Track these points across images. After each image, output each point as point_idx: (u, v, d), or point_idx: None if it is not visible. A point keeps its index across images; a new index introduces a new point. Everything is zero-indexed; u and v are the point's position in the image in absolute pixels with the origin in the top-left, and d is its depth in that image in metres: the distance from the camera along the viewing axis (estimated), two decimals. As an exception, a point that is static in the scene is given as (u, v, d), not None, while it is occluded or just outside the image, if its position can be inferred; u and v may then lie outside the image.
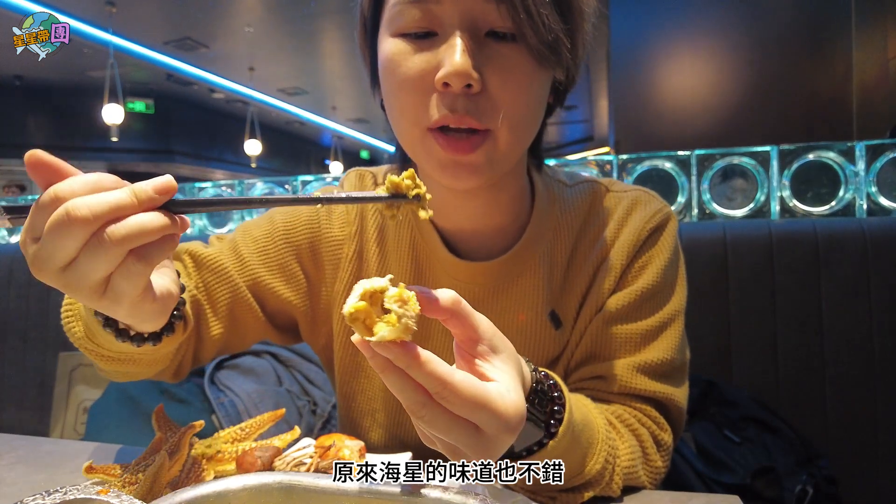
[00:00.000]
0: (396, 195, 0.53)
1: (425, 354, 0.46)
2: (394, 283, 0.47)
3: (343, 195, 0.53)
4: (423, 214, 0.54)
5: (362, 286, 0.47)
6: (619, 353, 0.82)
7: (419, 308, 0.47)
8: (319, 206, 0.93)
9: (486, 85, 0.68)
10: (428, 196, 0.54)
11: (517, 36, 0.68)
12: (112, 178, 0.50)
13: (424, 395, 0.47)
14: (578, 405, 0.67)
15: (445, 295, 0.50)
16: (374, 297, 0.47)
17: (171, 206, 0.50)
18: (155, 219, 0.48)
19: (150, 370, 0.79)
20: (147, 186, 0.49)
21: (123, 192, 0.48)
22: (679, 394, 0.83)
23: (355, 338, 0.47)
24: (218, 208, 0.55)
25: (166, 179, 0.50)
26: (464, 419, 0.48)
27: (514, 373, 0.53)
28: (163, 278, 0.60)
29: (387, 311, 0.47)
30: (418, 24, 0.69)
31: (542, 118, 0.78)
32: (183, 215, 0.51)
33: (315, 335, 0.95)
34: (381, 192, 0.53)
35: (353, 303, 0.46)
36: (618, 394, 0.81)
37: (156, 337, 0.67)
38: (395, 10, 0.70)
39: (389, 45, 0.71)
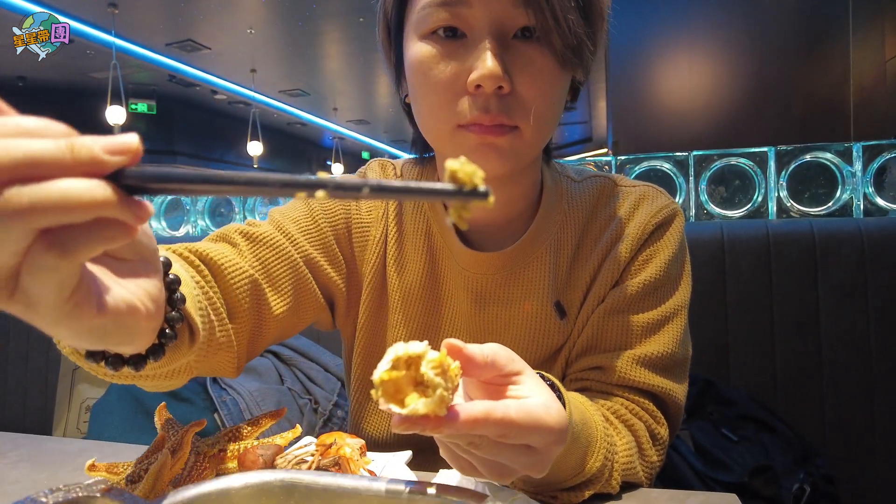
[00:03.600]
0: (461, 192, 0.37)
1: (474, 412, 0.45)
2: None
3: (396, 184, 0.37)
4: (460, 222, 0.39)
5: (395, 352, 0.43)
6: (619, 344, 0.83)
7: (459, 380, 0.46)
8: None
9: (514, 85, 0.71)
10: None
11: (542, 39, 0.70)
12: (45, 124, 0.34)
13: (474, 436, 0.47)
14: (576, 404, 0.67)
15: (478, 351, 0.49)
16: (411, 363, 0.44)
17: (125, 182, 0.34)
18: (88, 188, 0.32)
19: (162, 384, 0.67)
20: (93, 142, 0.33)
21: (51, 143, 0.33)
22: (678, 390, 0.83)
23: (383, 405, 0.44)
24: (197, 188, 0.35)
25: (125, 139, 0.34)
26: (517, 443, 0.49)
27: (541, 383, 0.54)
28: (129, 286, 0.42)
29: (420, 382, 0.43)
30: (448, 25, 0.71)
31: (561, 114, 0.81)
32: (142, 198, 0.35)
33: (347, 320, 0.95)
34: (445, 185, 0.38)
35: (384, 369, 0.43)
36: (616, 385, 0.81)
37: (138, 360, 0.53)
38: (424, 13, 0.72)
39: (419, 49, 0.73)
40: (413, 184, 0.37)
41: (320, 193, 0.35)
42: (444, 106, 0.73)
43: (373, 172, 0.97)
